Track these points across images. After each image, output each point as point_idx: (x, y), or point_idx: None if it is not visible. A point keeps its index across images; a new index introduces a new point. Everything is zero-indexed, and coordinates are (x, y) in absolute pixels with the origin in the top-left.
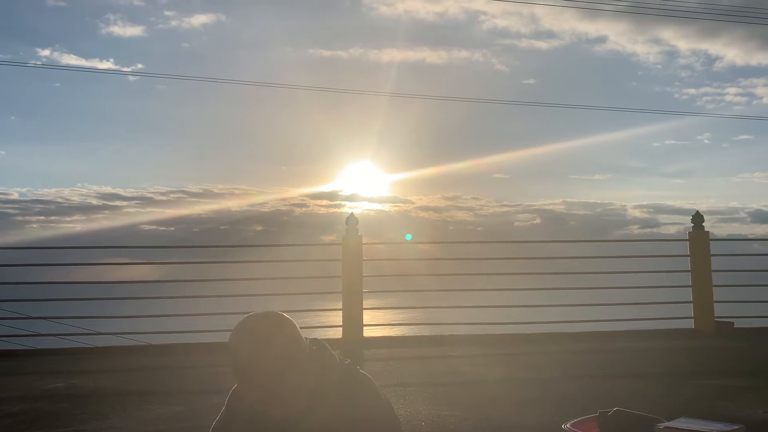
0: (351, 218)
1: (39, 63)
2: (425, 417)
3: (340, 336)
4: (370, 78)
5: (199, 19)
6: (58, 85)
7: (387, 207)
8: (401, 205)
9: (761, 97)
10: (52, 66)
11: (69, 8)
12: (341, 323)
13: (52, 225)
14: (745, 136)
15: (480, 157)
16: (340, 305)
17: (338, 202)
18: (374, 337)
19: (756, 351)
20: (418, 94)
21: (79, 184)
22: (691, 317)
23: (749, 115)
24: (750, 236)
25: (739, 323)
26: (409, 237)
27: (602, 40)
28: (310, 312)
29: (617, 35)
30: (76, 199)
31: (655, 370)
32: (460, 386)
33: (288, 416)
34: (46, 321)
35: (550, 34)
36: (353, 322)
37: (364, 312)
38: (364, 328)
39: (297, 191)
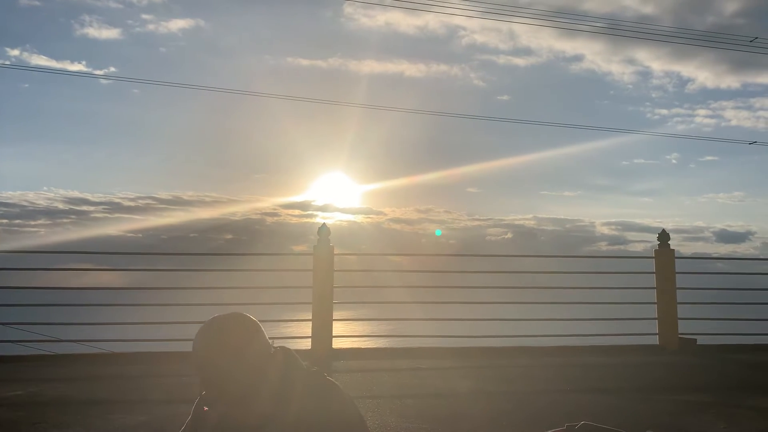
0: (323, 228)
1: (8, 63)
2: (394, 429)
3: (309, 347)
4: (348, 88)
5: (178, 24)
6: (26, 86)
7: (359, 218)
8: (374, 216)
9: (729, 120)
10: (21, 66)
11: (43, 8)
12: (311, 334)
13: (16, 229)
14: (711, 158)
15: (453, 171)
16: (310, 316)
17: (311, 212)
18: (344, 349)
19: (718, 367)
20: (394, 107)
21: (45, 188)
22: (656, 333)
23: (717, 137)
24: (714, 255)
25: (701, 340)
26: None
27: (579, 58)
28: (279, 322)
29: (593, 54)
30: (42, 202)
31: (622, 385)
32: (430, 399)
33: (255, 421)
34: (6, 327)
35: (527, 51)
36: (323, 333)
37: (334, 323)
38: (334, 339)
39: (269, 200)
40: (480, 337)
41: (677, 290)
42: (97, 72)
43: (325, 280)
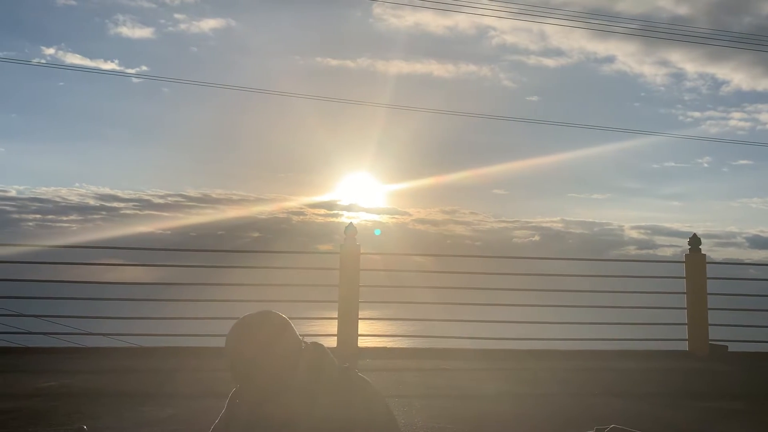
0: (350, 227)
1: (43, 61)
2: (421, 428)
3: (335, 345)
4: (376, 88)
5: (209, 24)
6: (61, 84)
7: (384, 218)
8: (399, 216)
9: (765, 123)
10: (56, 65)
11: (78, 8)
12: (336, 332)
13: (49, 224)
14: (745, 161)
15: (479, 172)
16: (335, 314)
17: (336, 211)
18: (369, 348)
19: (749, 375)
20: (421, 107)
21: (77, 184)
22: (685, 339)
23: (751, 141)
24: (747, 261)
25: (733, 347)
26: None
27: (610, 59)
28: (304, 320)
29: (626, 56)
30: (74, 198)
31: (651, 390)
32: (457, 399)
33: (287, 417)
34: (38, 319)
35: (558, 52)
36: (348, 331)
37: (360, 322)
38: (359, 338)
39: (295, 199)
40: (507, 339)
41: (708, 296)
42: (129, 71)
43: (351, 278)
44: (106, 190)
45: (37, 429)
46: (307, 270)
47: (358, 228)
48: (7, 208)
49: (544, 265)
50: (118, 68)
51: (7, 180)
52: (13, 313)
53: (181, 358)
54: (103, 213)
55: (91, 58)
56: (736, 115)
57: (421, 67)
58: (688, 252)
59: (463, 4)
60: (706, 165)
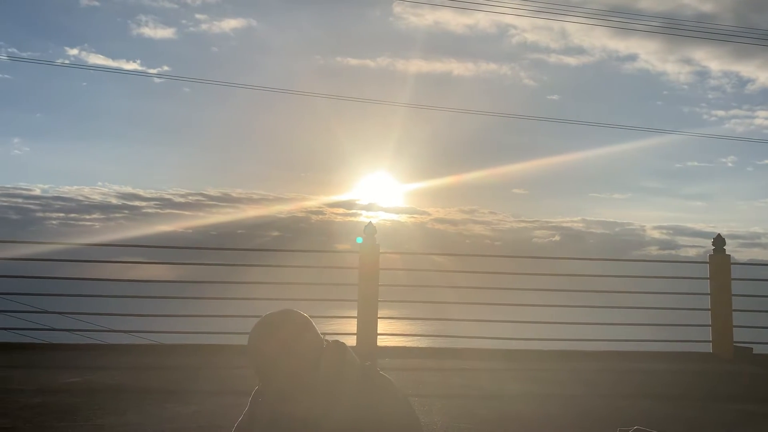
0: (369, 227)
1: (67, 62)
2: (441, 428)
3: (354, 344)
4: (395, 87)
5: (230, 24)
6: (84, 84)
7: (403, 218)
8: (417, 216)
9: None
10: (80, 65)
11: (101, 8)
12: (355, 331)
13: (72, 222)
14: None
15: (498, 171)
16: (354, 313)
17: (355, 210)
18: (388, 347)
19: None
20: (440, 107)
21: (99, 183)
22: (709, 341)
23: None
24: None
25: (758, 349)
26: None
27: (632, 58)
28: (324, 318)
29: (648, 54)
30: (97, 197)
31: (676, 392)
32: (478, 399)
33: (309, 415)
34: (61, 316)
35: (579, 50)
36: (368, 330)
37: (379, 321)
38: (378, 337)
39: (315, 198)
40: (527, 339)
41: (732, 297)
42: (151, 71)
43: (370, 277)
44: (128, 189)
45: (62, 424)
46: (326, 269)
47: (376, 227)
48: (32, 206)
49: (564, 265)
50: (140, 68)
51: (31, 179)
52: (37, 309)
53: (202, 355)
54: (125, 212)
55: (114, 58)
56: (762, 113)
57: (440, 66)
58: (711, 252)
59: (483, 2)
60: (730, 164)
